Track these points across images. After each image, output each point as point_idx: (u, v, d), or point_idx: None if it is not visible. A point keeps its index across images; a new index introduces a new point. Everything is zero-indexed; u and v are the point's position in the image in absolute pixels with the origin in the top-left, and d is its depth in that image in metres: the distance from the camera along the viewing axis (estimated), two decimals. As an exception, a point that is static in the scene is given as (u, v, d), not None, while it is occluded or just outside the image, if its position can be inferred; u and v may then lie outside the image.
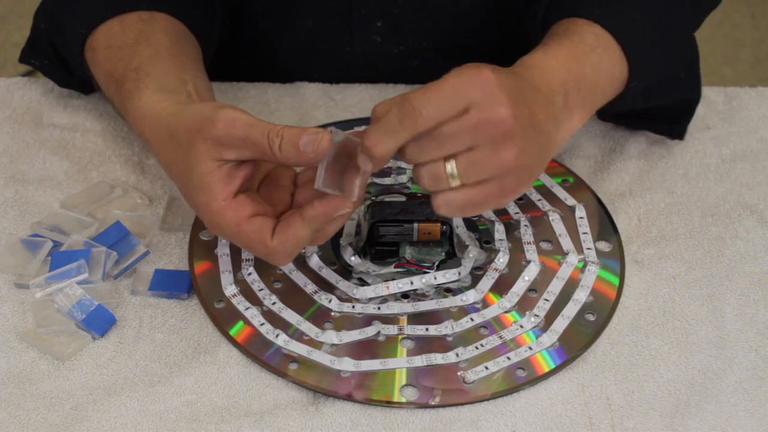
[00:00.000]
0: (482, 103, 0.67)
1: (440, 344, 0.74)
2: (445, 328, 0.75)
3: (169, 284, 0.78)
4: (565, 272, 0.80)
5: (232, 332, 0.75)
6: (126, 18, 0.85)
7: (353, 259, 0.79)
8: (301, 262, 0.80)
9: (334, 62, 1.02)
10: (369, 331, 0.75)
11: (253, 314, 0.76)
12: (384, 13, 0.99)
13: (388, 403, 0.71)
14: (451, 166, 0.67)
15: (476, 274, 0.79)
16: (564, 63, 0.76)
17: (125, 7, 0.85)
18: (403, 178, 0.88)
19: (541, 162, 0.72)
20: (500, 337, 0.75)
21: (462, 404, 0.71)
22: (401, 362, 0.73)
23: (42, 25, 0.91)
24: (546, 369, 0.73)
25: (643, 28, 0.82)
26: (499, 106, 0.67)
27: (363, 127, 0.69)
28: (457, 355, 0.73)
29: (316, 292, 0.77)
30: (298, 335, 0.75)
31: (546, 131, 0.71)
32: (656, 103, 0.90)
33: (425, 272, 0.78)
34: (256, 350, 0.74)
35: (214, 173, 0.70)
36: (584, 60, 0.78)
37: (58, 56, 0.91)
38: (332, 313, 0.76)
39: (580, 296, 0.78)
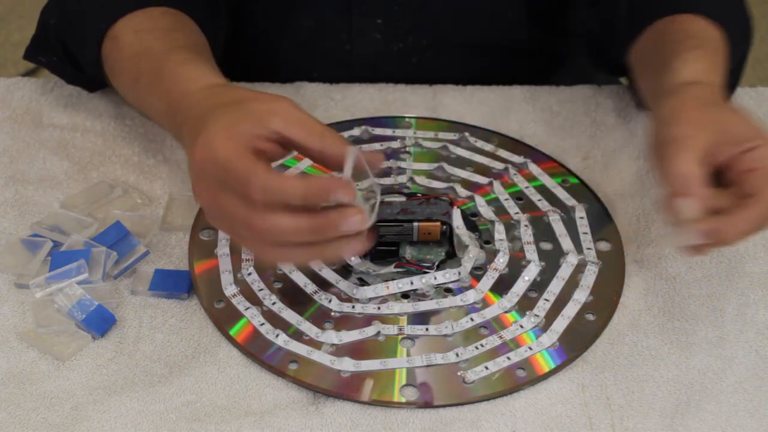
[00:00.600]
0: None
1: (440, 344, 0.74)
2: (445, 328, 0.75)
3: (169, 284, 0.78)
4: (565, 272, 0.80)
5: (232, 332, 0.75)
6: (152, 11, 0.85)
7: (353, 259, 0.79)
8: (301, 262, 0.80)
9: (335, 61, 1.03)
10: (369, 331, 0.75)
11: (253, 314, 0.76)
12: (384, 10, 0.99)
13: (388, 403, 0.71)
14: None
15: (476, 274, 0.79)
16: (720, 75, 0.82)
17: (148, 2, 0.86)
18: (403, 178, 0.88)
19: None
20: (500, 337, 0.75)
21: (462, 404, 0.71)
22: (401, 362, 0.73)
23: (51, 21, 0.91)
24: (546, 369, 0.73)
25: (734, 21, 0.88)
26: None
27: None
28: (457, 355, 0.73)
29: (316, 292, 0.77)
30: (298, 335, 0.75)
31: None
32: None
33: (425, 272, 0.78)
34: (256, 350, 0.74)
35: (250, 125, 0.67)
36: (724, 65, 0.83)
37: (66, 52, 0.91)
38: (332, 313, 0.76)
39: (580, 296, 0.78)
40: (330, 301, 0.77)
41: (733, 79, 0.91)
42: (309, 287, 0.78)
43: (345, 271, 0.79)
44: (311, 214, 0.65)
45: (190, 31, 0.86)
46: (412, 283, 0.78)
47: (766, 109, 0.98)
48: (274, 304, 0.77)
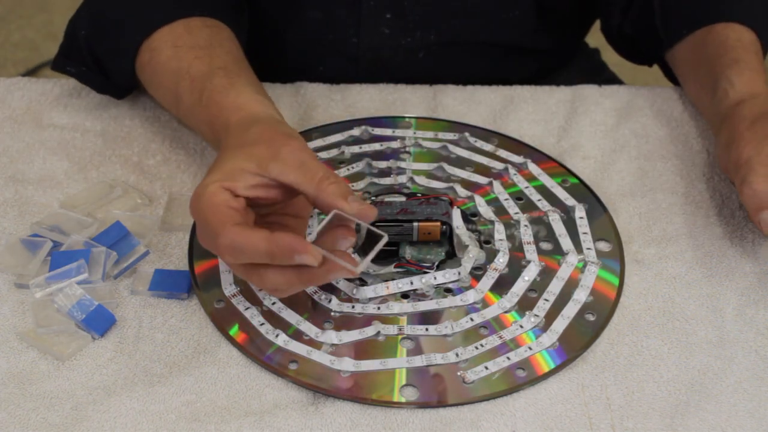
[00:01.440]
0: None
1: (440, 344, 0.74)
2: (445, 328, 0.75)
3: (169, 284, 0.78)
4: (565, 272, 0.80)
5: (232, 332, 0.75)
6: (190, 22, 0.86)
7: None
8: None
9: (341, 54, 1.03)
10: (369, 331, 0.75)
11: (253, 314, 0.76)
12: (393, 5, 0.99)
13: (388, 403, 0.71)
14: None
15: (476, 274, 0.79)
16: (764, 78, 0.87)
17: (185, 12, 0.86)
18: (403, 179, 0.88)
19: None
20: (500, 337, 0.75)
21: (462, 404, 0.71)
22: (401, 362, 0.73)
23: (82, 32, 0.91)
24: (546, 369, 0.73)
25: (765, 22, 0.92)
26: None
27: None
28: (457, 355, 0.73)
29: (316, 292, 0.77)
30: (298, 335, 0.75)
31: None
32: None
33: (425, 272, 0.78)
34: (256, 350, 0.74)
35: (246, 173, 0.70)
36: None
37: (96, 62, 0.91)
38: (332, 313, 0.76)
39: (580, 296, 0.78)
40: (330, 301, 0.77)
41: None
42: (309, 287, 0.78)
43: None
44: (299, 270, 0.68)
45: (228, 45, 0.86)
46: (412, 283, 0.78)
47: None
48: (273, 304, 0.77)
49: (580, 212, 0.85)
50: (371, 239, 0.79)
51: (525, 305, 0.77)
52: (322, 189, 0.69)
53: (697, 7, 0.94)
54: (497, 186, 0.87)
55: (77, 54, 0.92)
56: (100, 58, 0.91)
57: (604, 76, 1.15)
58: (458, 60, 1.05)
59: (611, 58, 1.15)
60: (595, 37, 1.20)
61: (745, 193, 0.78)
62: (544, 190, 0.87)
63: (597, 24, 1.15)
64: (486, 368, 0.73)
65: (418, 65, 1.03)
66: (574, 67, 1.14)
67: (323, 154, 0.90)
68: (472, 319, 0.76)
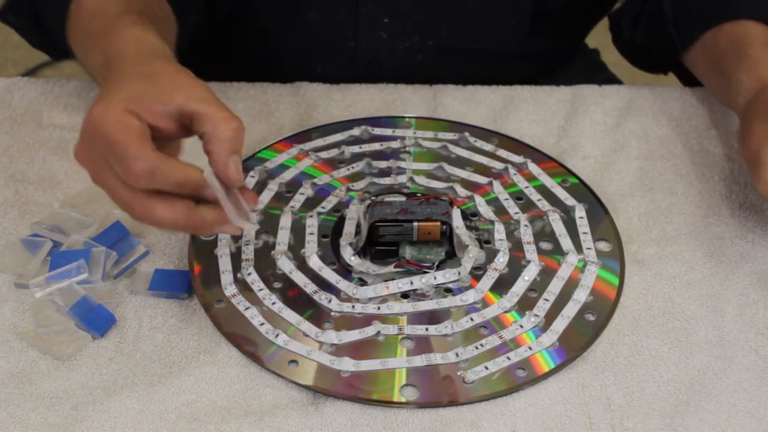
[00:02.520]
0: None
1: (440, 344, 0.74)
2: (445, 328, 0.75)
3: (169, 284, 0.78)
4: (565, 272, 0.80)
5: (232, 332, 0.75)
6: None
7: (353, 259, 0.79)
8: (300, 262, 0.80)
9: (339, 56, 1.03)
10: (369, 331, 0.75)
11: (253, 314, 0.76)
12: (391, 9, 0.99)
13: (388, 403, 0.71)
14: None
15: (476, 274, 0.79)
16: None
17: None
18: (403, 178, 0.88)
19: None
20: (500, 337, 0.75)
21: (462, 404, 0.71)
22: (401, 362, 0.73)
23: None
24: (546, 369, 0.73)
25: None
26: None
27: None
28: (457, 355, 0.73)
29: (316, 292, 0.77)
30: (298, 335, 0.75)
31: None
32: None
33: (425, 272, 0.78)
34: (256, 350, 0.74)
35: (150, 99, 0.68)
36: None
37: (36, 18, 0.92)
38: (332, 313, 0.76)
39: (580, 296, 0.78)
40: (330, 301, 0.77)
41: None
42: (309, 287, 0.78)
43: (345, 271, 0.79)
44: (188, 210, 0.68)
45: (153, 2, 0.85)
46: (412, 283, 0.78)
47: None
48: (274, 304, 0.77)
49: (580, 212, 0.85)
50: (371, 238, 0.79)
51: (525, 305, 0.77)
52: (221, 130, 0.68)
53: (707, 7, 0.94)
54: (497, 186, 0.87)
55: (19, 6, 0.93)
56: (38, 10, 0.91)
57: (604, 76, 1.15)
58: (457, 63, 1.05)
59: (611, 58, 1.15)
60: (595, 37, 1.20)
61: (759, 189, 0.78)
62: (544, 190, 0.87)
63: (596, 25, 1.15)
64: (486, 368, 0.73)
65: (417, 67, 1.03)
66: (574, 67, 1.15)
67: (323, 154, 0.90)
68: (472, 319, 0.76)
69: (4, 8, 0.95)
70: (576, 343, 0.75)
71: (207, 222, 0.69)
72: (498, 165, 0.90)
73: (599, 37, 1.21)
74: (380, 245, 0.80)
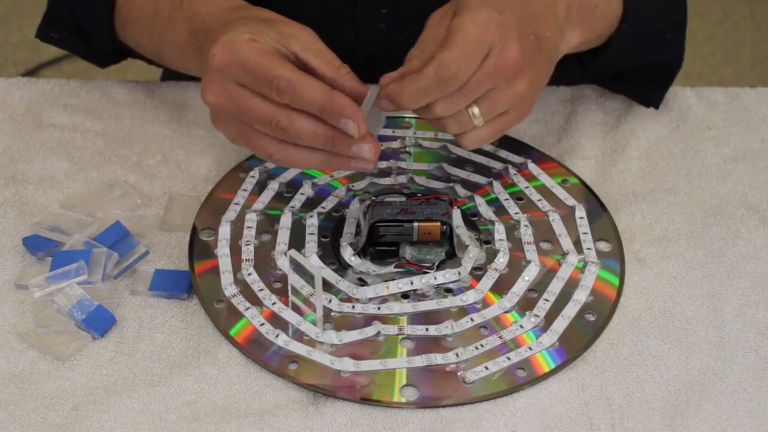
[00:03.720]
0: (498, 47, 0.70)
1: (440, 344, 0.74)
2: (445, 328, 0.75)
3: (169, 284, 0.78)
4: (565, 272, 0.80)
5: (232, 332, 0.75)
6: None
7: (353, 259, 0.79)
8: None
9: (338, 49, 1.02)
10: (369, 331, 0.75)
11: (253, 314, 0.76)
12: (390, 0, 0.99)
13: (388, 403, 0.71)
14: (475, 111, 0.72)
15: (476, 274, 0.79)
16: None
17: None
18: (403, 179, 0.88)
19: (549, 73, 0.77)
20: (500, 337, 0.75)
21: (462, 404, 0.71)
22: (401, 362, 0.73)
23: None
24: (546, 369, 0.73)
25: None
26: (511, 46, 0.71)
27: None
28: (457, 355, 0.73)
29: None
30: (298, 335, 0.75)
31: (551, 45, 0.76)
32: (640, 61, 0.93)
33: (425, 272, 0.78)
34: (256, 350, 0.74)
35: (271, 38, 0.70)
36: None
37: (78, 27, 0.92)
38: (332, 313, 0.76)
39: (580, 296, 0.78)
40: (330, 301, 0.77)
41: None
42: (307, 288, 0.78)
43: (345, 271, 0.79)
44: (327, 125, 0.69)
45: None
46: (412, 283, 0.78)
47: (766, 110, 0.98)
48: (274, 304, 0.77)
49: (580, 212, 0.85)
50: (371, 238, 0.79)
51: (525, 305, 0.77)
52: (342, 75, 0.71)
53: None
54: (497, 186, 0.87)
55: (60, 21, 0.93)
56: (81, 21, 0.91)
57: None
58: None
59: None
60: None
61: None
62: (544, 190, 0.87)
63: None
64: (486, 368, 0.73)
65: None
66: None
67: (323, 154, 0.90)
68: (472, 319, 0.76)
69: (44, 25, 0.95)
70: (576, 343, 0.75)
71: (347, 138, 0.69)
72: (498, 165, 0.90)
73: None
74: (380, 245, 0.80)
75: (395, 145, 0.91)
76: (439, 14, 0.77)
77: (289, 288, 0.76)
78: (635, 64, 0.94)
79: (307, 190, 0.86)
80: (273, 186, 0.86)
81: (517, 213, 0.85)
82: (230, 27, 0.71)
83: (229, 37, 0.69)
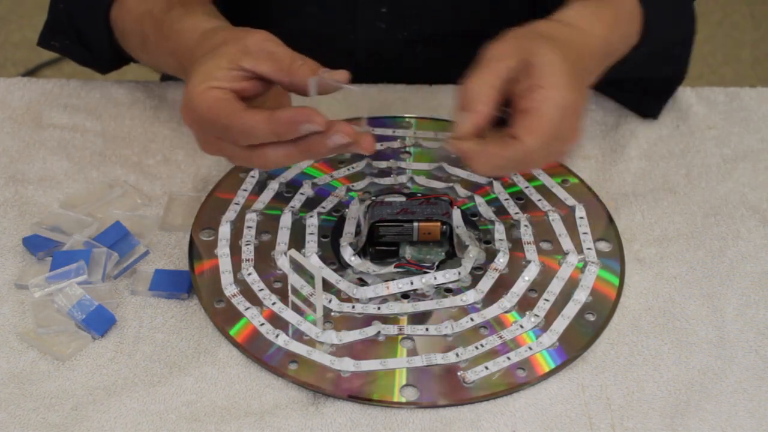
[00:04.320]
0: (567, 134, 0.73)
1: (440, 344, 0.74)
2: (445, 328, 0.75)
3: (169, 284, 0.78)
4: (565, 272, 0.80)
5: (232, 332, 0.75)
6: None
7: (353, 259, 0.79)
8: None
9: (339, 48, 1.02)
10: (369, 331, 0.75)
11: (253, 314, 0.76)
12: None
13: (388, 403, 0.71)
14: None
15: (476, 274, 0.79)
16: (606, 29, 0.80)
17: None
18: (403, 179, 0.88)
19: (582, 121, 0.77)
20: (500, 337, 0.75)
21: (462, 404, 0.71)
22: (401, 362, 0.73)
23: (60, 5, 0.93)
24: (546, 369, 0.73)
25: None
26: (577, 132, 0.74)
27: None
28: (457, 355, 0.73)
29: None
30: (298, 335, 0.75)
31: (585, 98, 0.76)
32: (645, 74, 0.92)
33: (425, 272, 0.78)
34: (256, 350, 0.74)
35: (224, 70, 0.71)
36: (619, 28, 0.81)
37: (78, 35, 0.93)
38: (332, 313, 0.76)
39: (580, 296, 0.78)
40: (330, 301, 0.77)
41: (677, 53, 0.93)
42: (307, 288, 0.78)
43: (345, 271, 0.79)
44: (295, 143, 0.71)
45: None
46: (412, 283, 0.78)
47: (766, 110, 0.98)
48: (274, 304, 0.77)
49: (580, 212, 0.85)
50: (371, 238, 0.79)
51: (525, 305, 0.77)
52: (294, 72, 0.72)
53: None
54: (497, 186, 0.87)
55: (60, 28, 0.94)
56: (80, 29, 0.92)
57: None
58: (457, 53, 1.04)
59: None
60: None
61: (465, 84, 0.75)
62: (544, 190, 0.87)
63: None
64: (486, 368, 0.73)
65: (417, 59, 1.03)
66: None
67: (323, 154, 0.90)
68: (472, 319, 0.76)
69: (45, 32, 0.96)
70: (576, 343, 0.75)
71: (315, 144, 0.70)
72: (498, 165, 0.90)
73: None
74: (380, 245, 0.80)
75: (395, 145, 0.91)
76: (513, 44, 0.75)
77: (289, 288, 0.76)
78: (638, 77, 0.93)
79: (307, 190, 0.86)
80: (273, 186, 0.86)
81: (517, 213, 0.85)
82: (194, 69, 0.73)
83: (188, 92, 0.72)
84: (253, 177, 0.87)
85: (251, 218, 0.83)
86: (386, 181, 0.88)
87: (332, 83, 0.72)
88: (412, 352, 0.74)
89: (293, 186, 0.87)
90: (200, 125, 0.72)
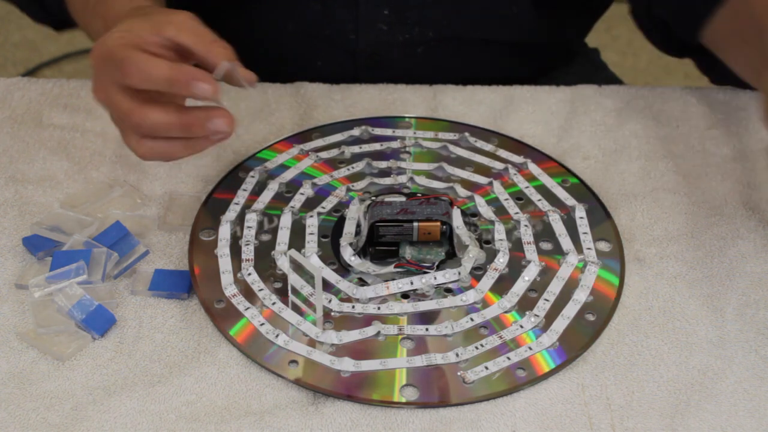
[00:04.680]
0: None
1: (440, 344, 0.74)
2: (445, 328, 0.75)
3: (168, 284, 0.78)
4: (565, 272, 0.80)
5: (232, 332, 0.75)
6: None
7: (353, 259, 0.79)
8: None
9: (340, 49, 1.03)
10: (369, 331, 0.75)
11: (253, 314, 0.76)
12: (391, 1, 0.99)
13: (388, 403, 0.71)
14: None
15: (476, 274, 0.79)
16: None
17: None
18: (403, 179, 0.88)
19: None
20: (500, 337, 0.75)
21: (462, 404, 0.71)
22: (401, 362, 0.73)
23: None
24: (546, 369, 0.73)
25: None
26: None
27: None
28: (457, 355, 0.73)
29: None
30: (298, 335, 0.75)
31: None
32: None
33: (425, 272, 0.78)
34: (256, 350, 0.74)
35: (145, 31, 0.73)
36: None
37: None
38: (332, 313, 0.76)
39: (580, 296, 0.78)
40: (330, 301, 0.77)
41: None
42: (308, 288, 0.78)
43: (345, 271, 0.79)
44: (180, 111, 0.72)
45: None
46: (412, 283, 0.78)
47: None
48: (274, 304, 0.77)
49: (580, 212, 0.85)
50: (371, 238, 0.79)
51: (525, 305, 0.77)
52: (212, 50, 0.74)
53: None
54: (497, 186, 0.87)
55: None
56: None
57: (604, 76, 1.15)
58: (457, 56, 1.05)
59: (612, 57, 1.15)
60: (595, 37, 1.20)
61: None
62: (544, 190, 0.87)
63: (597, 25, 1.15)
64: (486, 368, 0.73)
65: (417, 61, 1.03)
66: (574, 67, 1.14)
67: (323, 154, 0.90)
68: (472, 319, 0.76)
69: None
70: (576, 343, 0.75)
71: (199, 119, 0.72)
72: (498, 165, 0.90)
73: (599, 37, 1.21)
74: (380, 245, 0.80)
75: (395, 145, 0.91)
76: None
77: (289, 288, 0.76)
78: None
79: (307, 190, 0.86)
80: (273, 186, 0.86)
81: (517, 213, 0.85)
82: (116, 26, 0.75)
83: (103, 37, 0.73)
84: (252, 177, 0.87)
85: (251, 218, 0.83)
86: (386, 181, 0.88)
87: (238, 77, 0.74)
88: (412, 352, 0.74)
89: (293, 186, 0.87)
90: (102, 61, 0.73)
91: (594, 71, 1.15)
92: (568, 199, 0.86)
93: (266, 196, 0.85)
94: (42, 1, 0.96)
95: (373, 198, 0.85)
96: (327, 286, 0.78)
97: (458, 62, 1.04)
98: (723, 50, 0.92)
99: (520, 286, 0.79)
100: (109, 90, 0.73)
